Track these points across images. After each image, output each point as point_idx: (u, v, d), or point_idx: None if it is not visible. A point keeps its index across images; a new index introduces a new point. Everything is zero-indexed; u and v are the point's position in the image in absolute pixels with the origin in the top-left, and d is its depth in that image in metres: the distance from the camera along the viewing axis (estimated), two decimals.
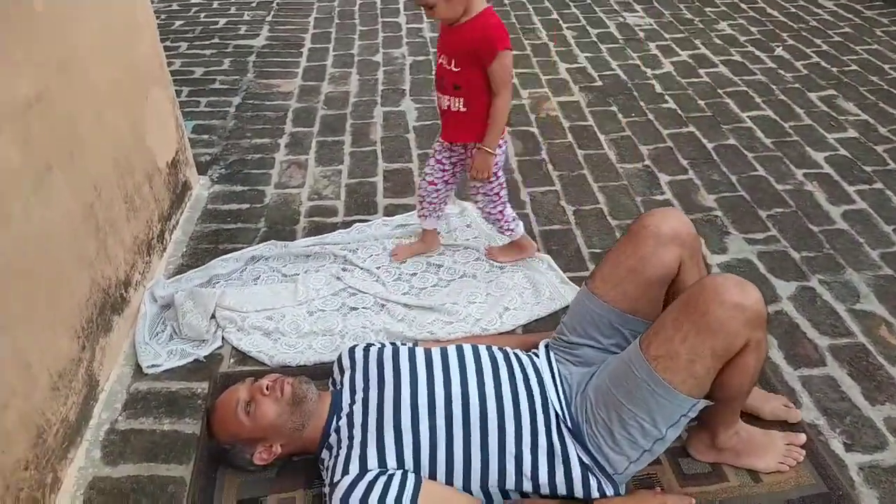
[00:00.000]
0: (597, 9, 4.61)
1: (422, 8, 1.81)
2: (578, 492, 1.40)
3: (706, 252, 2.31)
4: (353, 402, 1.49)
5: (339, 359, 1.66)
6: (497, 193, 2.10)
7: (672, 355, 1.30)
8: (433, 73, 3.66)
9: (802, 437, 1.60)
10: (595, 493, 1.39)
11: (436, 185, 2.13)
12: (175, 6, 4.67)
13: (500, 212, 2.14)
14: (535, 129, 3.14)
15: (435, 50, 3.94)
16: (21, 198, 1.47)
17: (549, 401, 1.45)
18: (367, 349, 1.61)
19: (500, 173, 2.07)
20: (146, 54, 2.29)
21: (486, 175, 1.98)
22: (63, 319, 1.64)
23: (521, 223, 2.20)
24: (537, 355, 1.59)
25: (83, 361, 1.71)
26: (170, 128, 2.45)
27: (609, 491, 1.40)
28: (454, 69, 1.86)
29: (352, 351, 1.63)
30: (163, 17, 4.40)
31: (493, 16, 1.83)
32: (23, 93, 1.51)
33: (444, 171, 2.11)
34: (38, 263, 1.53)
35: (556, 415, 1.43)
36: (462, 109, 1.90)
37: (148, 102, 2.26)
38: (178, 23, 4.38)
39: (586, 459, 1.40)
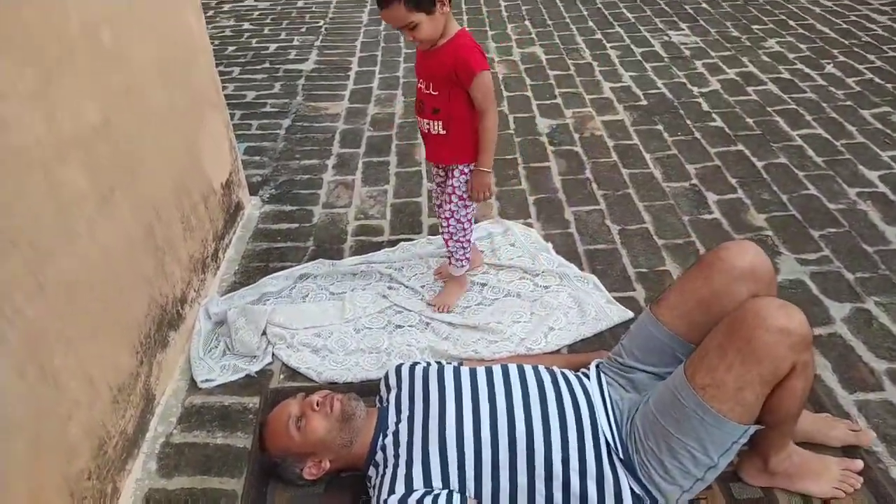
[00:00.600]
0: (641, 28, 4.61)
1: (402, 31, 1.78)
2: None
3: None
4: (398, 420, 1.51)
5: (386, 376, 1.69)
6: (468, 220, 2.08)
7: (719, 384, 1.29)
8: None
9: (859, 464, 1.55)
10: None
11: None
12: (228, 32, 4.84)
13: (467, 239, 2.11)
14: (579, 149, 3.14)
15: None
16: (86, 218, 1.55)
17: (600, 427, 1.43)
18: (412, 367, 1.63)
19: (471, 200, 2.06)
20: (202, 80, 2.38)
21: (486, 195, 1.99)
22: (123, 335, 1.71)
23: (470, 264, 2.19)
24: (587, 377, 1.58)
25: (141, 376, 1.77)
26: (224, 150, 2.54)
27: None
28: (433, 93, 1.87)
29: (398, 369, 1.65)
30: (216, 42, 4.56)
31: (467, 37, 1.83)
32: (90, 120, 1.59)
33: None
34: (100, 281, 1.60)
35: (607, 443, 1.41)
36: (442, 132, 1.91)
37: (204, 126, 2.35)
38: (230, 48, 4.53)
39: (638, 490, 1.38)
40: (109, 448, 1.58)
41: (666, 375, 1.50)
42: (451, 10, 1.78)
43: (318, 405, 1.52)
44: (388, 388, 1.65)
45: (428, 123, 1.93)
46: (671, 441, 1.34)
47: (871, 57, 3.95)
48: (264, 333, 2.06)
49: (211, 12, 5.18)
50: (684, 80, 3.80)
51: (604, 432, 1.42)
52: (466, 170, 1.99)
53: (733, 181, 2.83)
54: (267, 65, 4.25)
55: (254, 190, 2.88)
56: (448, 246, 2.14)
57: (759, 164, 2.94)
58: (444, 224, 2.11)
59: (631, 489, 1.38)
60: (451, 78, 1.82)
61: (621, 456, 1.40)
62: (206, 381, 1.93)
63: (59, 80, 1.47)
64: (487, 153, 1.93)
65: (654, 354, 1.54)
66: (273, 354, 2.02)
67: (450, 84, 1.84)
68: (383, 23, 4.89)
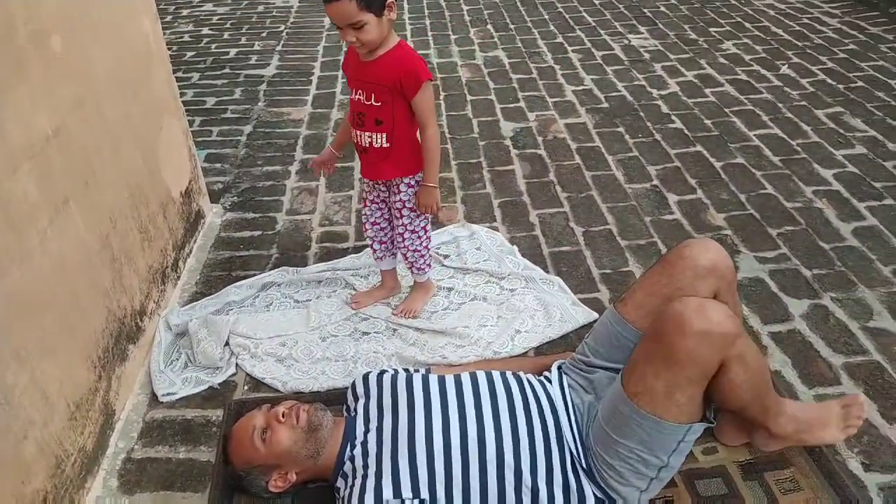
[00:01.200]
0: (601, 31, 4.66)
1: (342, 31, 1.69)
2: None
3: None
4: (367, 430, 1.49)
5: (353, 385, 1.67)
6: (424, 228, 2.05)
7: (649, 390, 1.31)
8: (440, 97, 3.73)
9: (858, 397, 1.53)
10: None
11: (379, 224, 2.09)
12: (186, 37, 4.76)
13: (426, 247, 2.09)
14: (542, 152, 3.16)
15: (441, 75, 4.00)
16: (39, 231, 1.51)
17: (564, 436, 1.45)
18: (380, 376, 1.61)
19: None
20: (159, 86, 2.34)
21: (434, 209, 1.93)
22: (80, 349, 1.66)
23: (432, 268, 2.17)
24: (549, 381, 1.59)
25: (99, 391, 1.72)
26: (183, 158, 2.49)
27: None
28: (375, 103, 1.79)
29: (366, 378, 1.64)
30: (174, 48, 4.49)
31: (409, 47, 1.80)
32: (41, 129, 1.55)
33: (380, 209, 2.07)
34: (55, 295, 1.56)
35: (571, 452, 1.43)
36: (385, 145, 1.84)
37: (162, 133, 2.31)
38: (189, 54, 4.46)
39: (599, 494, 1.40)
40: (67, 466, 1.54)
41: None
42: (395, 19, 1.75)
43: (283, 416, 1.49)
44: (356, 398, 1.63)
45: (370, 136, 1.84)
46: (618, 447, 1.36)
47: (823, 58, 4.06)
48: (227, 344, 2.03)
49: (169, 17, 5.09)
50: (644, 83, 3.85)
51: (567, 441, 1.44)
52: (413, 182, 1.94)
53: (693, 182, 2.88)
54: (227, 70, 4.20)
55: (215, 198, 2.83)
56: (407, 258, 2.10)
57: (718, 165, 3.00)
58: (399, 240, 2.05)
59: (593, 493, 1.40)
60: (396, 87, 1.76)
61: (583, 464, 1.42)
62: (168, 394, 1.89)
63: (7, 90, 1.42)
64: (433, 167, 1.87)
65: (619, 352, 1.55)
66: (237, 365, 1.99)
67: (394, 94, 1.78)
68: None
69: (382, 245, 2.13)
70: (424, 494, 1.36)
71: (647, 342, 1.35)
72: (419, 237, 2.06)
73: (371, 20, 1.67)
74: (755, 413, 1.46)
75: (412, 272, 2.15)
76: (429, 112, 1.82)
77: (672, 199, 2.77)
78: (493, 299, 2.21)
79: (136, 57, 2.18)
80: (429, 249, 2.11)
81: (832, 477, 1.58)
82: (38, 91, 1.54)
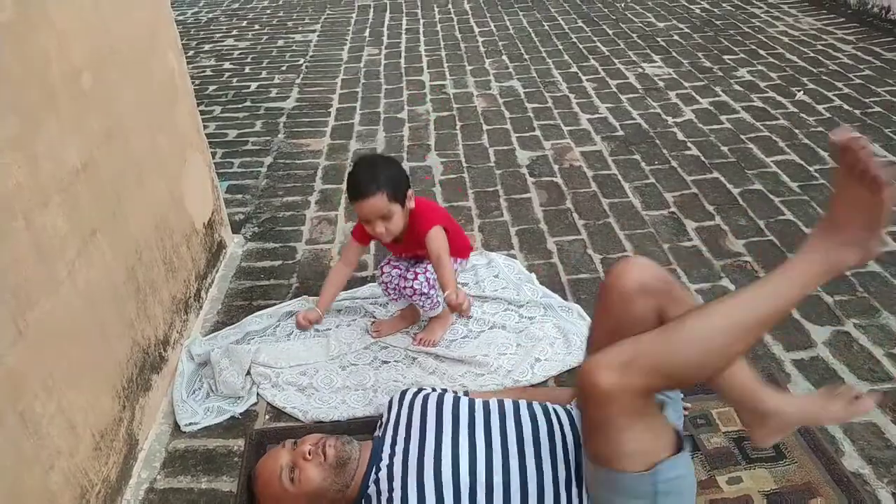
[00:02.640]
0: (615, 60, 4.71)
1: (370, 223, 1.88)
2: None
3: None
4: (392, 453, 1.49)
5: (391, 401, 1.68)
6: (434, 286, 2.05)
7: (599, 451, 1.26)
8: (457, 127, 3.78)
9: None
10: None
11: (392, 281, 2.14)
12: (209, 72, 4.87)
13: (437, 302, 2.10)
14: (559, 179, 3.18)
15: (457, 105, 4.06)
16: (67, 262, 1.54)
17: (584, 476, 1.43)
18: (415, 395, 1.62)
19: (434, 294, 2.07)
20: (184, 120, 2.39)
21: (463, 311, 1.84)
22: (105, 379, 1.68)
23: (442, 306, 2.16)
24: (572, 413, 1.58)
25: (123, 421, 1.74)
26: (206, 189, 2.54)
27: None
28: (420, 254, 2.06)
29: (402, 395, 1.65)
30: (197, 82, 4.59)
31: (416, 212, 1.94)
32: (71, 163, 1.59)
33: (398, 269, 2.13)
34: (82, 325, 1.59)
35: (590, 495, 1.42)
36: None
37: (186, 166, 2.36)
38: (211, 87, 4.56)
39: None
40: (92, 496, 1.55)
41: None
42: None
43: (310, 454, 1.47)
44: (388, 415, 1.64)
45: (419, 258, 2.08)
46: (601, 498, 1.33)
47: (839, 84, 4.07)
48: (248, 373, 2.04)
49: (191, 52, 5.22)
50: (659, 111, 3.87)
51: (587, 483, 1.42)
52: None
53: (711, 208, 2.88)
54: (248, 103, 4.28)
55: (236, 228, 2.87)
56: (415, 302, 2.11)
57: (736, 192, 2.99)
58: (409, 293, 2.07)
59: None
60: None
61: None
62: (190, 424, 1.90)
63: (39, 125, 1.47)
64: (448, 278, 1.86)
65: None
66: (258, 394, 2.00)
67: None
68: (364, 59, 5.00)
69: (395, 291, 2.15)
70: None
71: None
72: (428, 296, 2.08)
73: (398, 211, 1.81)
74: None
75: (422, 311, 2.16)
76: (440, 249, 1.90)
77: (690, 225, 2.77)
78: (512, 327, 2.21)
79: (162, 91, 2.24)
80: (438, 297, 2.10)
81: None
82: (67, 126, 1.59)
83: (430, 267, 2.03)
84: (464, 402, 1.57)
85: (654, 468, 1.22)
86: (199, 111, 2.60)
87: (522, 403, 1.56)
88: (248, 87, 4.57)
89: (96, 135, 1.73)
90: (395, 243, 2.02)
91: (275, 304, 2.38)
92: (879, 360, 2.02)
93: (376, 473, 1.47)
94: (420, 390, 1.65)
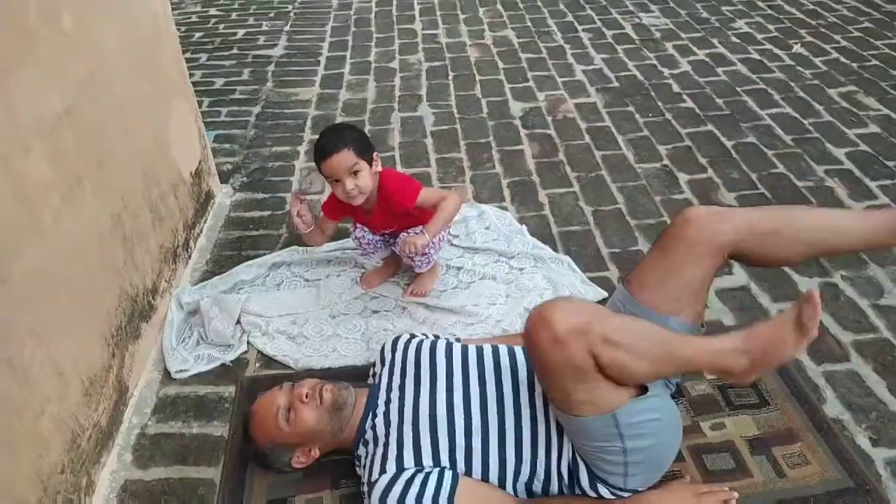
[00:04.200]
0: (612, 10, 4.61)
1: (339, 183, 1.84)
2: (606, 494, 1.40)
3: None
4: (388, 399, 1.52)
5: (382, 349, 1.69)
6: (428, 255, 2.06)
7: (560, 399, 1.31)
8: (449, 77, 3.72)
9: (810, 294, 1.25)
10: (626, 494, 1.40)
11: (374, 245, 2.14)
12: (194, 18, 4.75)
13: (432, 260, 2.10)
14: (551, 131, 3.15)
15: (449, 55, 3.98)
16: (52, 209, 1.52)
17: None
18: (408, 342, 1.64)
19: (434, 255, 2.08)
20: (169, 67, 2.34)
21: (414, 251, 1.87)
22: (93, 327, 1.68)
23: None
24: None
25: (113, 368, 1.75)
26: (193, 138, 2.50)
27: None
28: (390, 229, 2.06)
29: (395, 342, 1.66)
30: (183, 29, 4.47)
31: (384, 181, 1.93)
32: (52, 108, 1.56)
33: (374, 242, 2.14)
34: (68, 273, 1.58)
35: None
36: (418, 230, 1.94)
37: (171, 114, 2.31)
38: (197, 34, 4.45)
39: (592, 480, 1.41)
40: (83, 441, 1.57)
41: None
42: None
43: (306, 397, 1.50)
44: (383, 362, 1.65)
45: (405, 233, 2.02)
46: (575, 443, 1.39)
47: (837, 37, 4.01)
48: (238, 322, 2.04)
49: None
50: (655, 62, 3.82)
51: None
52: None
53: (703, 161, 2.86)
54: (235, 51, 4.19)
55: (224, 178, 2.84)
56: (413, 260, 2.07)
57: (729, 144, 2.97)
58: (410, 260, 2.07)
59: (588, 475, 1.41)
60: (403, 213, 1.96)
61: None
62: (181, 371, 1.91)
63: (18, 69, 1.43)
64: (437, 223, 1.89)
65: None
66: (248, 343, 2.01)
67: (402, 218, 1.99)
68: (354, 6, 4.88)
69: (371, 244, 2.13)
70: (445, 462, 1.40)
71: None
72: (427, 261, 2.07)
73: (364, 167, 1.83)
74: (686, 369, 1.42)
75: (413, 267, 2.12)
76: (436, 198, 1.93)
77: (683, 178, 2.75)
78: (502, 278, 2.22)
79: (146, 35, 2.18)
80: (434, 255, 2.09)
81: (840, 452, 1.59)
82: (48, 70, 1.55)
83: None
84: (456, 347, 1.59)
85: (613, 413, 1.29)
86: (185, 59, 2.54)
87: (516, 348, 1.58)
88: (235, 34, 4.46)
89: (79, 80, 1.69)
90: (366, 215, 1.99)
91: (264, 255, 2.37)
92: (864, 310, 2.04)
93: (373, 419, 1.49)
94: (413, 337, 1.67)
